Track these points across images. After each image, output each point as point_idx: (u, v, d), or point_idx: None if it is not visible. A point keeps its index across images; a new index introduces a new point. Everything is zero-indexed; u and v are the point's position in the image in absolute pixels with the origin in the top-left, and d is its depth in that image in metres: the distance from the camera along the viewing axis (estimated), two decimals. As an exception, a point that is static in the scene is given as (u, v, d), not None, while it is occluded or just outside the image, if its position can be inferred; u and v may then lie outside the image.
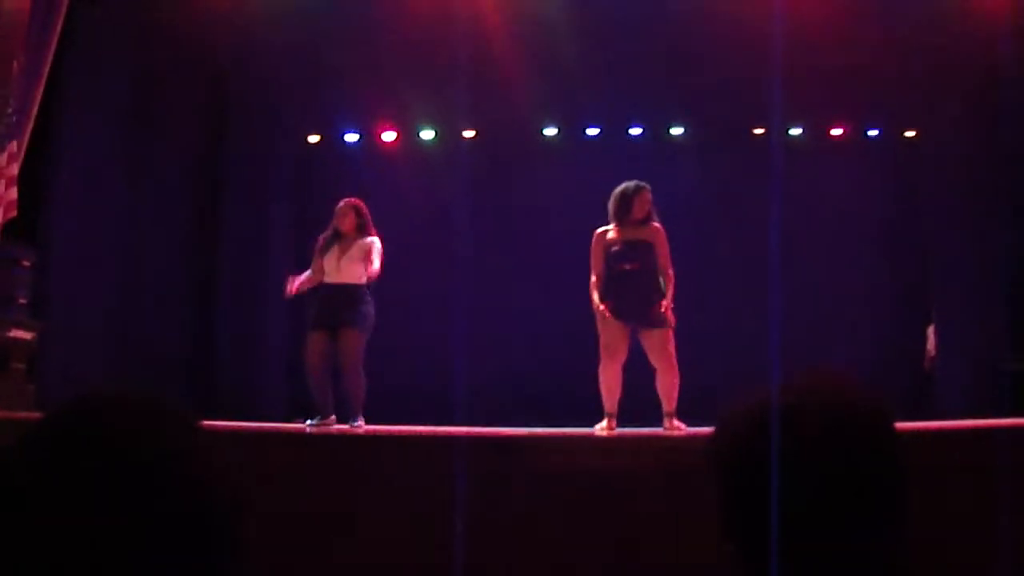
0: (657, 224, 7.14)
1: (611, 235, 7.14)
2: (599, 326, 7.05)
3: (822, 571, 1.33)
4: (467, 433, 6.15)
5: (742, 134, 11.16)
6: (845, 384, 1.44)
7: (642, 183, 7.22)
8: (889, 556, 1.35)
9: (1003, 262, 9.99)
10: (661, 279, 7.03)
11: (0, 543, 1.07)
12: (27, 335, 7.60)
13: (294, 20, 9.72)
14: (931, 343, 10.39)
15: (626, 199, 7.15)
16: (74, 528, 1.06)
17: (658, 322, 6.90)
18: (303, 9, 9.70)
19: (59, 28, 7.96)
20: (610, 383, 6.99)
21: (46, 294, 8.42)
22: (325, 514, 4.88)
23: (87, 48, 9.00)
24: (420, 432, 6.47)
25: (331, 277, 7.40)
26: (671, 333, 6.95)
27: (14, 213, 7.54)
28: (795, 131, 11.31)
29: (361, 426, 7.13)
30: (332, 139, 11.59)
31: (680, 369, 6.94)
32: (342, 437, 6.52)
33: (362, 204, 7.62)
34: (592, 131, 11.50)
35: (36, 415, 1.14)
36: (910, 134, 11.19)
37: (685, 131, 11.43)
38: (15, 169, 7.59)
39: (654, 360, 6.94)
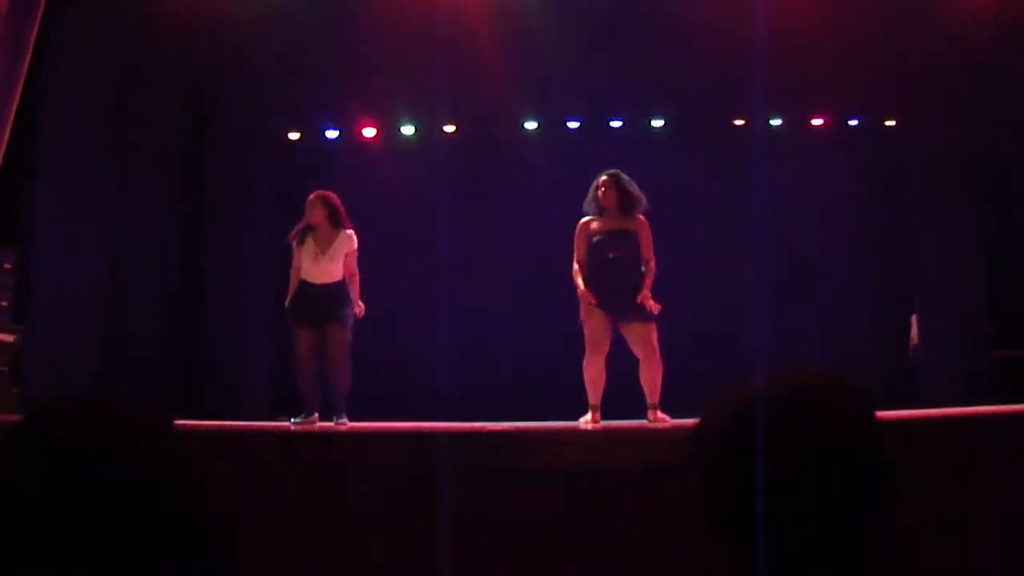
0: (642, 218, 7.14)
1: (595, 224, 7.15)
2: (583, 318, 7.05)
3: (808, 562, 1.33)
4: (450, 429, 6.15)
5: (723, 125, 11.16)
6: (828, 376, 1.44)
7: (610, 171, 7.21)
8: (875, 545, 1.35)
9: (985, 250, 10.03)
10: (643, 269, 7.03)
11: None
12: (8, 338, 7.58)
13: (273, 18, 9.70)
14: (914, 332, 10.41)
15: (592, 190, 7.18)
16: (52, 529, 1.06)
17: (641, 314, 6.91)
18: (282, 7, 9.68)
19: (36, 28, 7.91)
20: (594, 376, 7.00)
21: (29, 296, 8.38)
22: (309, 511, 4.87)
23: (67, 48, 8.95)
24: (404, 428, 6.47)
25: (310, 276, 7.34)
26: (654, 325, 6.96)
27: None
28: (776, 121, 11.31)
29: (345, 423, 7.12)
30: (313, 136, 11.55)
31: (663, 361, 6.95)
32: (326, 435, 6.52)
33: (332, 196, 7.47)
34: (572, 124, 11.48)
35: (17, 418, 1.14)
36: (891, 123, 11.20)
37: (665, 123, 11.41)
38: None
39: (638, 352, 6.94)
